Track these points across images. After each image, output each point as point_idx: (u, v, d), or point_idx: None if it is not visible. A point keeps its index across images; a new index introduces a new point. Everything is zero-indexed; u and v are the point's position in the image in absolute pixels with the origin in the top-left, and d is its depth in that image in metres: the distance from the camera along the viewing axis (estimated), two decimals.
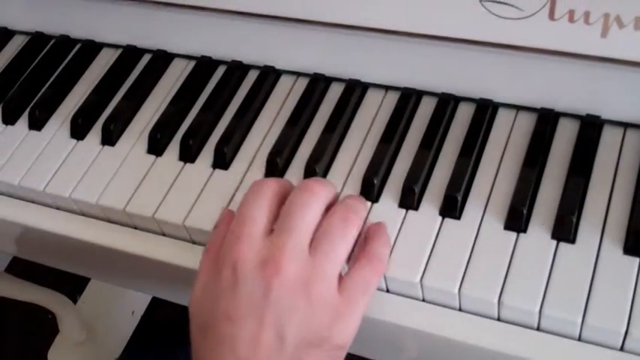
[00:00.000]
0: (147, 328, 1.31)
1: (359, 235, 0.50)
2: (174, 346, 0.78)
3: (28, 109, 0.66)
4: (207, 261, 0.50)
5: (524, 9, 0.51)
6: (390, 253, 0.51)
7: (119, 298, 1.29)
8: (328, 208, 0.50)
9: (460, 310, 0.51)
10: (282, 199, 0.49)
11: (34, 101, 0.67)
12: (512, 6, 0.51)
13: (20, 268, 1.39)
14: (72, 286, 1.30)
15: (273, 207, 0.49)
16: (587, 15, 0.49)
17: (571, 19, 0.50)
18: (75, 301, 1.27)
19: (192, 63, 0.68)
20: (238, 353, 0.46)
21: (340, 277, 0.48)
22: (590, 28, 0.50)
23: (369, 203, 0.55)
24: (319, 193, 0.49)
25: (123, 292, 1.29)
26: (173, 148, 0.61)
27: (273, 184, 0.50)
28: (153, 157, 0.61)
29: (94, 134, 0.64)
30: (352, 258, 0.50)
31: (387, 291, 0.52)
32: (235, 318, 0.46)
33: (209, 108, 0.63)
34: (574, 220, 0.50)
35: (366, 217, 0.54)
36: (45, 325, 1.27)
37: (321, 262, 0.47)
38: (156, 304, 1.34)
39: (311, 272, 0.46)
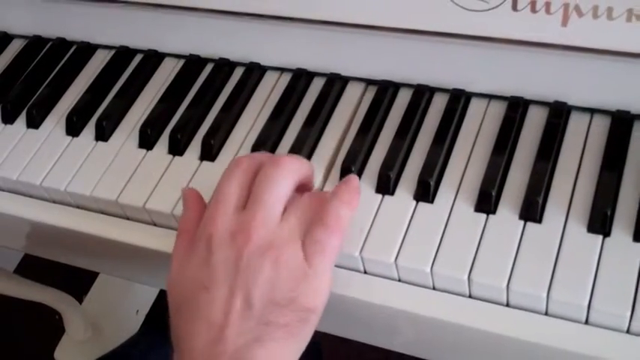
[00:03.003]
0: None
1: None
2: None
3: (25, 109, 0.69)
4: (181, 242, 0.52)
5: (489, 1, 0.53)
6: (367, 235, 0.54)
7: (124, 297, 1.32)
8: (304, 187, 0.52)
9: (434, 288, 0.53)
10: (255, 174, 0.52)
11: (32, 101, 0.70)
12: None
13: (28, 270, 1.42)
14: (77, 286, 1.32)
15: (244, 183, 0.51)
16: (547, 5, 0.52)
17: (533, 10, 0.52)
18: (80, 301, 1.30)
19: (182, 61, 0.71)
20: (212, 319, 0.48)
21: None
22: (551, 17, 0.52)
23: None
24: (287, 166, 0.51)
25: (127, 291, 1.32)
26: (163, 143, 0.64)
27: (241, 162, 0.52)
28: (144, 151, 0.64)
29: (88, 131, 0.67)
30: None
31: (365, 272, 0.55)
32: (209, 287, 0.48)
33: (197, 104, 0.66)
34: (540, 201, 0.53)
35: None
36: (52, 326, 1.30)
37: (289, 229, 0.49)
38: (160, 303, 1.36)
39: (278, 239, 0.49)
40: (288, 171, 0.51)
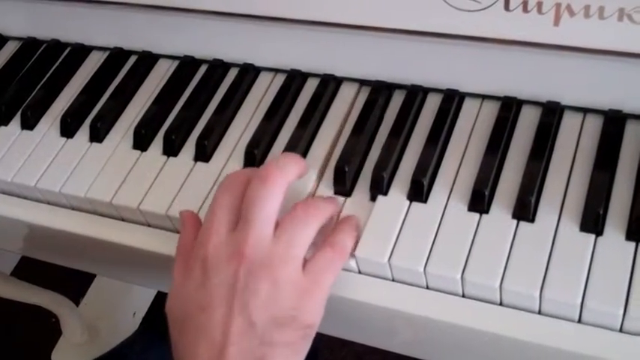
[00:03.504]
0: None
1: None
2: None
3: (20, 110, 0.69)
4: (179, 264, 0.52)
5: (481, 1, 0.53)
6: (361, 236, 0.54)
7: (120, 300, 1.32)
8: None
9: (427, 288, 0.53)
10: (243, 193, 0.51)
11: (27, 102, 0.70)
12: None
13: (25, 272, 1.42)
14: (75, 289, 1.32)
15: (233, 204, 0.51)
16: (539, 5, 0.52)
17: (525, 10, 0.53)
18: (77, 304, 1.30)
19: (176, 63, 0.71)
20: (212, 340, 0.48)
21: (305, 262, 0.50)
22: (543, 17, 0.53)
23: (341, 199, 0.57)
24: (274, 180, 0.50)
25: (124, 294, 1.32)
26: (157, 144, 0.64)
27: (227, 184, 0.52)
28: (138, 152, 0.64)
29: (83, 132, 0.67)
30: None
31: (359, 272, 0.55)
32: (207, 308, 0.49)
33: (191, 105, 0.66)
34: (533, 200, 0.53)
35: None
36: (49, 329, 1.30)
37: (283, 248, 0.49)
38: (157, 305, 1.36)
39: (274, 258, 0.49)
40: (275, 186, 0.50)
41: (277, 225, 0.51)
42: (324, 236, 0.53)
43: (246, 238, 0.49)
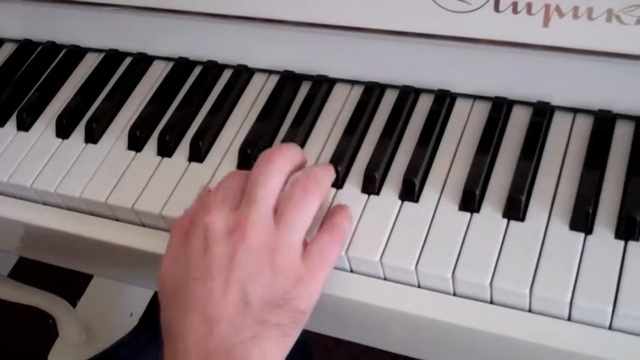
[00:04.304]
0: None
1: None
2: None
3: (16, 112, 0.70)
4: (176, 236, 0.52)
5: (471, 2, 0.54)
6: (352, 235, 0.55)
7: (117, 300, 1.32)
8: (298, 169, 0.54)
9: (419, 286, 0.54)
10: None
11: (22, 104, 0.71)
12: (460, 0, 0.54)
13: (22, 274, 1.42)
14: (71, 290, 1.33)
15: (242, 182, 0.52)
16: (529, 6, 0.53)
17: (515, 11, 0.53)
18: (74, 305, 1.31)
19: (171, 64, 0.71)
20: (206, 312, 0.48)
21: (304, 244, 0.51)
22: (532, 18, 0.53)
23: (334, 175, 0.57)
24: (278, 161, 0.52)
25: (121, 294, 1.33)
26: (152, 144, 0.65)
27: (237, 172, 0.53)
28: (133, 152, 0.65)
29: (78, 133, 0.67)
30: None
31: (351, 271, 0.56)
32: (204, 279, 0.49)
33: (185, 106, 0.67)
34: (523, 199, 0.53)
35: (331, 203, 0.57)
36: (46, 330, 1.30)
37: (284, 231, 0.50)
38: (154, 305, 1.37)
39: (274, 240, 0.49)
40: (277, 166, 0.52)
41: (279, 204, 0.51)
42: (320, 218, 0.53)
43: (249, 215, 0.50)
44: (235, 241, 0.49)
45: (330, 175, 0.55)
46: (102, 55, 0.74)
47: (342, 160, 0.59)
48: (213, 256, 0.49)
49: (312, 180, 0.52)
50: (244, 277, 0.49)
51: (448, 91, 0.62)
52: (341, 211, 0.54)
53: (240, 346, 0.48)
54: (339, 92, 0.65)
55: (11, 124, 0.70)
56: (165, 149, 0.64)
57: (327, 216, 0.54)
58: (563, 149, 0.57)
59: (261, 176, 0.51)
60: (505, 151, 0.58)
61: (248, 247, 0.49)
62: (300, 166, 0.54)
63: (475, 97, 0.61)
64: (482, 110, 0.60)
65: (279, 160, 0.52)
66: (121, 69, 0.72)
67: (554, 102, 0.59)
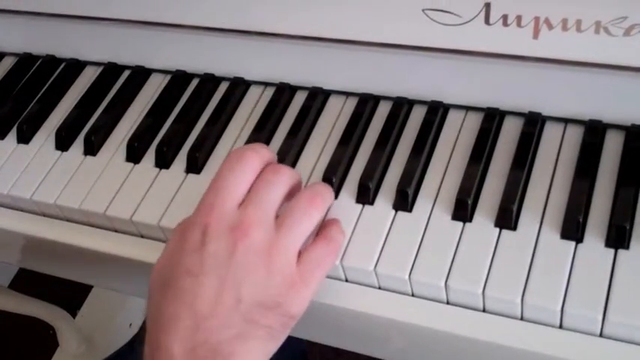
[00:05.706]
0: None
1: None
2: None
3: (16, 125, 0.71)
4: (176, 233, 0.53)
5: (462, 15, 0.55)
6: (347, 244, 0.55)
7: (117, 310, 1.33)
8: (291, 193, 0.54)
9: (413, 295, 0.55)
10: (258, 172, 0.53)
11: (22, 117, 0.72)
12: (451, 13, 0.55)
13: (22, 285, 1.43)
14: (72, 301, 1.34)
15: (249, 179, 0.53)
16: (519, 19, 0.54)
17: (505, 23, 0.54)
18: (74, 315, 1.31)
19: (168, 77, 0.72)
20: (196, 307, 0.48)
21: (299, 253, 0.52)
22: (522, 30, 0.54)
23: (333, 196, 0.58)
24: (285, 174, 0.53)
25: (120, 305, 1.33)
26: (149, 156, 0.66)
27: (249, 158, 0.53)
28: (131, 164, 0.66)
29: (77, 145, 0.68)
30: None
31: (346, 280, 0.56)
32: (197, 273, 0.49)
33: (183, 118, 0.68)
34: (515, 209, 0.54)
35: (326, 213, 0.58)
36: (46, 340, 1.31)
37: (284, 236, 0.51)
38: None
39: (274, 243, 0.50)
40: (284, 178, 0.53)
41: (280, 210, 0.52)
42: (316, 228, 0.54)
43: (253, 215, 0.50)
44: (236, 238, 0.50)
45: (330, 192, 0.57)
46: (100, 68, 0.75)
47: (336, 171, 0.60)
48: (210, 252, 0.50)
49: (318, 195, 0.54)
50: (240, 275, 0.49)
51: (441, 102, 0.62)
52: (335, 223, 0.56)
53: (226, 343, 0.48)
54: (333, 103, 0.66)
55: (11, 136, 0.71)
56: (163, 161, 0.65)
57: (322, 227, 0.55)
58: (554, 159, 0.58)
59: (269, 181, 0.52)
60: (497, 161, 0.58)
61: (247, 247, 0.49)
62: (296, 189, 0.55)
63: (467, 108, 0.62)
64: (474, 121, 0.61)
65: (287, 174, 0.54)
66: (120, 82, 0.73)
67: (545, 112, 0.59)
